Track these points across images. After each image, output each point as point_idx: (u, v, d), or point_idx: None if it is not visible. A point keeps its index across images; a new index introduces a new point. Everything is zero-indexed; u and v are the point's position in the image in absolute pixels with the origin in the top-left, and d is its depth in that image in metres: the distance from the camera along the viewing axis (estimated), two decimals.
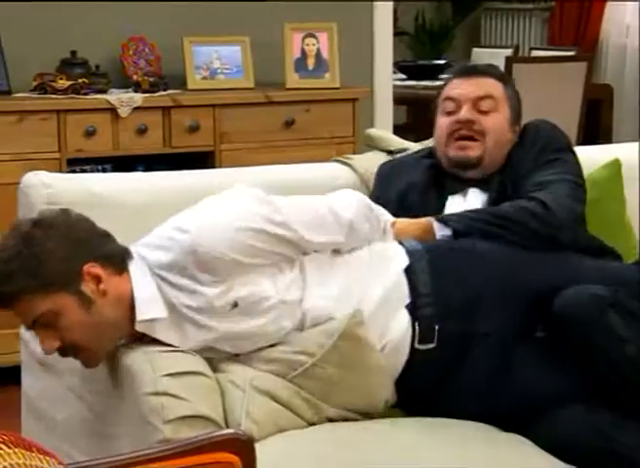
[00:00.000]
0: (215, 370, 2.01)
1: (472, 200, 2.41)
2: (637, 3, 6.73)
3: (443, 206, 2.41)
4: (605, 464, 1.99)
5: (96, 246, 2.01)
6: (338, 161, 2.64)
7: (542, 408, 2.04)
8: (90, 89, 3.90)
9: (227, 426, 1.91)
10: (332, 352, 2.01)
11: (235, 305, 2.00)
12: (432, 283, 2.12)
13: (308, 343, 2.02)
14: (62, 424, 2.20)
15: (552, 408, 2.04)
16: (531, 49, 6.92)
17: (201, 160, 3.90)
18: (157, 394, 1.89)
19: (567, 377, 2.08)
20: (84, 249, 1.99)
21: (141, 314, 1.99)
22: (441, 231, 2.27)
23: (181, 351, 2.00)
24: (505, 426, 2.06)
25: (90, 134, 3.80)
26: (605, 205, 2.66)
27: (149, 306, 1.99)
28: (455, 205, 2.40)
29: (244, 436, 1.37)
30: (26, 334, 2.11)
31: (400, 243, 2.20)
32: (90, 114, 3.81)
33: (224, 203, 2.08)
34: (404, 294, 2.11)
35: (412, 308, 2.10)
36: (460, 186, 2.43)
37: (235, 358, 2.05)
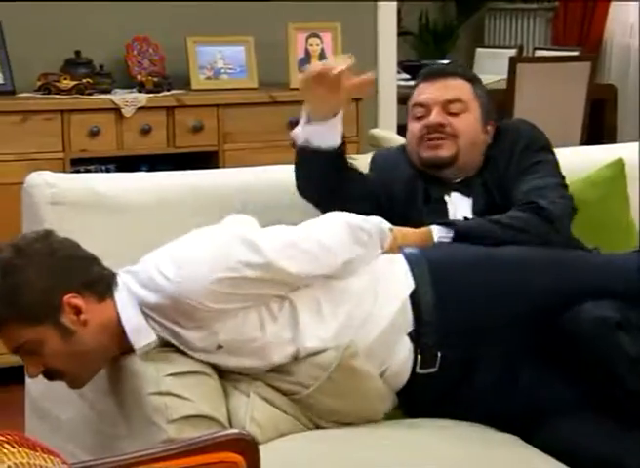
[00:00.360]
0: (219, 375, 2.01)
1: (456, 203, 2.39)
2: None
3: (428, 212, 2.39)
4: None
5: (77, 274, 1.98)
6: None
7: (546, 415, 2.03)
8: (94, 89, 3.90)
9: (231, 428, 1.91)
10: (327, 384, 1.98)
11: (220, 347, 1.98)
12: (436, 310, 2.07)
13: (303, 376, 1.99)
14: (66, 424, 2.20)
15: (556, 415, 2.03)
16: (535, 49, 6.91)
17: (205, 160, 3.90)
18: (160, 394, 1.89)
19: (572, 386, 2.06)
20: (64, 278, 1.96)
21: (136, 343, 1.97)
22: (441, 233, 2.25)
23: (184, 351, 2.00)
24: (507, 432, 2.04)
25: (94, 134, 3.80)
26: (608, 204, 2.66)
27: (142, 334, 1.97)
28: (439, 210, 2.38)
29: (248, 436, 1.37)
30: None
31: (404, 256, 2.14)
32: (94, 114, 3.81)
33: (206, 247, 1.99)
34: (407, 322, 2.06)
35: (414, 335, 2.06)
36: (442, 191, 2.41)
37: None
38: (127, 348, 1.99)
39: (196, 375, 1.95)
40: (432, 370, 2.06)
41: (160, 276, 1.95)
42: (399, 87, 4.94)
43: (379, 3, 4.66)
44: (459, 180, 2.42)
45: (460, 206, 2.39)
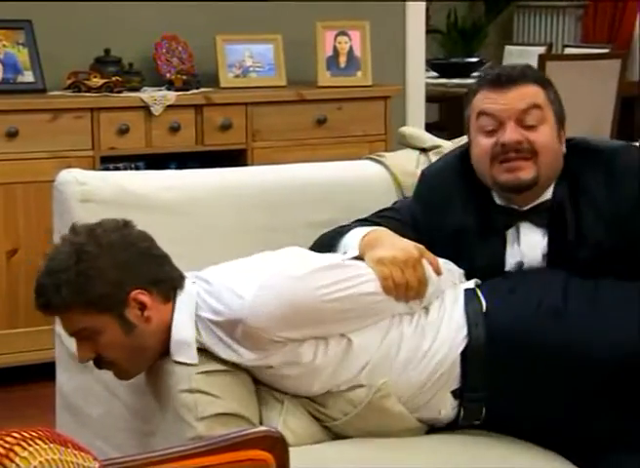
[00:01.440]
0: (255, 382, 2.00)
1: (528, 240, 2.15)
2: None
3: (503, 246, 2.16)
4: None
5: (147, 270, 1.97)
6: (370, 159, 2.63)
7: (605, 449, 1.96)
8: (123, 87, 3.91)
9: None
10: (355, 420, 1.96)
11: (270, 367, 1.96)
12: (486, 377, 1.97)
13: (333, 409, 1.97)
14: (97, 420, 2.21)
15: (615, 449, 1.96)
16: (564, 46, 6.87)
17: (233, 158, 3.90)
18: (191, 391, 1.90)
19: (631, 422, 1.97)
20: (135, 273, 1.95)
21: (175, 355, 1.96)
22: None
23: None
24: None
25: (123, 132, 3.81)
26: None
27: (183, 350, 1.95)
28: (514, 248, 2.16)
29: (277, 433, 1.37)
30: (61, 331, 2.12)
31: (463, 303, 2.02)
32: (123, 112, 3.82)
33: (285, 269, 1.96)
34: (454, 379, 1.98)
35: (459, 393, 1.98)
36: (509, 221, 2.17)
37: None
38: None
39: (227, 374, 1.95)
40: (476, 422, 2.02)
41: (233, 295, 1.91)
42: (427, 85, 4.93)
43: (407, 2, 4.64)
44: (529, 207, 2.16)
45: (529, 240, 2.15)
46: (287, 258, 2.02)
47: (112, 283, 1.93)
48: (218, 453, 1.32)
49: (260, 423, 1.93)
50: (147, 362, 2.00)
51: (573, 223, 2.12)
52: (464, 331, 1.99)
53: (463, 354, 1.98)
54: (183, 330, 1.96)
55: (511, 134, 2.10)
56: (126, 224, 2.00)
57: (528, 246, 2.15)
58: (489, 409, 2.00)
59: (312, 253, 2.10)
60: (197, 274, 2.03)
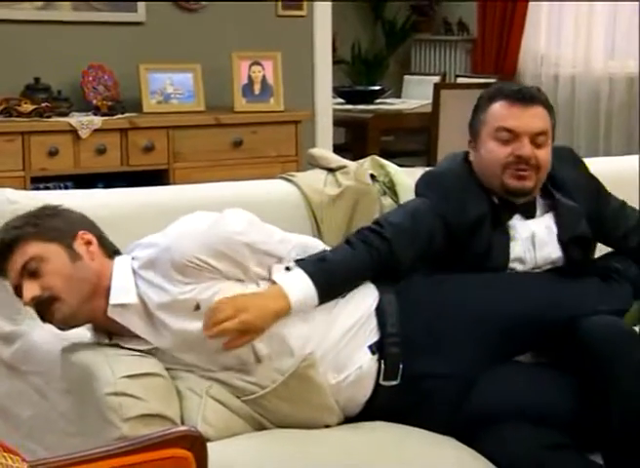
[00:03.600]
0: (174, 378, 1.98)
1: (535, 224, 2.26)
2: (550, 35, 6.83)
3: (507, 237, 2.24)
4: None
5: (94, 229, 2.07)
6: (282, 178, 2.63)
7: (493, 421, 1.99)
8: (52, 112, 3.86)
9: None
10: (282, 388, 1.96)
11: (197, 307, 1.96)
12: (400, 324, 2.03)
13: (261, 377, 1.97)
14: (27, 423, 2.16)
15: (501, 422, 1.98)
16: (456, 76, 6.97)
17: (156, 177, 3.88)
18: (116, 394, 1.86)
19: (521, 395, 2.02)
20: (86, 223, 2.07)
21: (114, 299, 1.98)
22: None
23: (140, 354, 1.97)
24: (459, 437, 2.00)
25: (52, 154, 3.75)
26: None
27: (122, 293, 1.98)
28: (523, 232, 2.25)
29: (196, 432, 1.36)
30: None
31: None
32: (52, 136, 3.77)
33: (203, 218, 2.06)
34: (372, 332, 2.03)
35: (379, 346, 2.02)
36: (510, 213, 2.26)
37: (193, 373, 2.00)
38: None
39: (149, 377, 1.92)
40: (394, 382, 2.02)
41: (160, 235, 2.02)
42: (334, 110, 4.96)
43: (315, 34, 4.67)
44: (521, 202, 2.27)
45: (521, 228, 2.26)
46: (201, 214, 2.08)
47: (64, 221, 2.04)
48: (141, 453, 1.30)
49: (182, 419, 1.91)
50: (83, 299, 1.97)
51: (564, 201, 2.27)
52: (376, 293, 2.07)
53: (377, 308, 2.04)
54: (123, 279, 1.99)
55: (528, 149, 2.20)
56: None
57: (534, 227, 2.25)
58: (405, 369, 2.01)
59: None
60: (129, 245, 2.09)
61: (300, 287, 2.00)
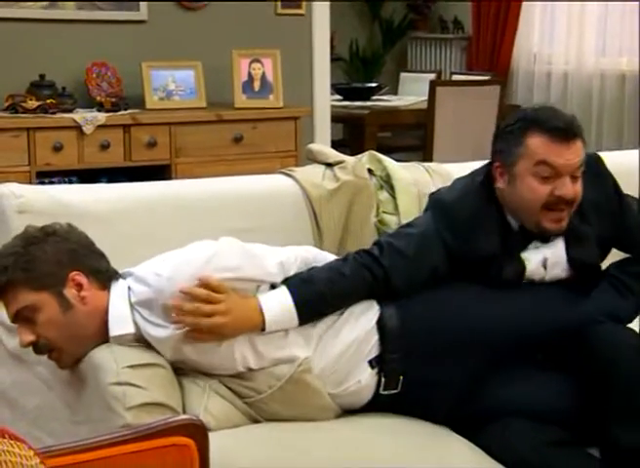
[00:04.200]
0: (178, 373, 1.98)
1: (549, 247, 2.15)
2: (543, 34, 6.82)
3: (522, 263, 2.13)
4: None
5: (87, 260, 1.98)
6: (282, 173, 2.63)
7: (495, 419, 1.98)
8: (57, 109, 3.85)
9: None
10: (278, 393, 1.95)
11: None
12: (401, 338, 2.00)
13: (259, 382, 1.96)
14: (33, 412, 2.16)
15: (503, 420, 1.97)
16: (451, 73, 6.96)
17: (158, 172, 3.87)
18: (119, 384, 1.86)
19: (522, 394, 2.02)
20: (76, 259, 1.97)
21: (113, 331, 1.95)
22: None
23: (143, 346, 1.97)
24: (460, 435, 2.00)
25: (57, 149, 3.75)
26: None
27: (120, 324, 1.95)
28: (536, 255, 2.14)
29: (198, 421, 1.36)
30: None
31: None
32: (57, 131, 3.76)
33: (196, 252, 1.98)
34: (373, 347, 2.00)
35: (379, 360, 1.99)
36: (528, 240, 2.15)
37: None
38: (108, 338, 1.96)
39: (152, 367, 1.92)
40: (394, 391, 2.01)
41: (153, 274, 1.94)
42: (332, 107, 4.95)
43: (314, 32, 4.66)
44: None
45: (533, 254, 2.15)
46: (198, 246, 2.02)
47: (54, 263, 1.94)
48: (144, 440, 1.31)
49: (184, 411, 1.91)
50: (83, 345, 1.95)
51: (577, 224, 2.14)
52: (376, 307, 2.03)
53: (378, 324, 2.01)
54: (120, 309, 1.95)
55: (570, 189, 2.06)
56: (70, 225, 2.03)
57: (547, 251, 2.15)
58: (405, 378, 2.00)
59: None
60: (123, 271, 2.03)
61: (278, 306, 1.96)
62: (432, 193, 2.27)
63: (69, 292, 1.94)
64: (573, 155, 2.06)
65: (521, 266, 2.13)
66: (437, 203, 2.19)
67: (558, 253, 2.16)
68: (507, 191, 2.11)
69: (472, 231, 2.10)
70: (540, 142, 2.06)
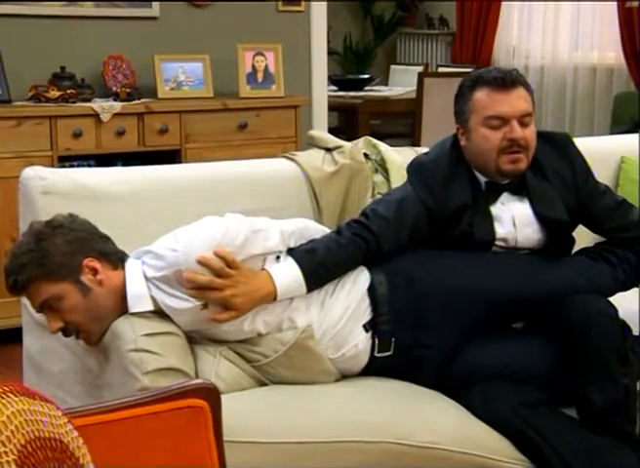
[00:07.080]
0: (190, 341, 1.97)
1: (517, 206, 2.16)
2: (521, 30, 6.79)
3: (491, 218, 2.14)
4: (514, 440, 1.93)
5: (95, 244, 1.96)
6: (284, 157, 2.62)
7: (477, 381, 1.98)
8: (77, 98, 3.83)
9: None
10: (283, 357, 1.95)
11: (205, 306, 1.92)
12: (390, 302, 2.01)
13: (265, 347, 1.96)
14: (58, 376, 2.16)
15: (485, 382, 1.97)
16: (438, 66, 6.94)
17: (170, 157, 3.85)
18: (137, 350, 1.86)
19: (503, 357, 2.00)
20: (84, 246, 1.94)
21: (131, 308, 1.93)
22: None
23: (158, 316, 1.96)
24: (450, 393, 1.99)
25: (77, 135, 3.73)
26: None
27: (138, 301, 1.93)
28: (505, 213, 2.15)
29: (211, 384, 1.36)
30: (26, 301, 2.06)
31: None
32: (77, 119, 3.74)
33: (205, 227, 1.96)
34: (366, 312, 2.01)
35: (372, 324, 2.00)
36: (497, 194, 2.16)
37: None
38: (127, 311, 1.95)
39: (167, 335, 1.91)
40: (388, 353, 2.01)
41: (169, 250, 1.91)
42: (329, 97, 4.93)
43: (312, 28, 4.63)
44: (506, 182, 2.16)
45: (521, 207, 2.16)
46: (209, 223, 1.99)
47: (66, 254, 1.92)
48: (161, 402, 1.30)
49: (196, 376, 1.91)
50: (106, 321, 1.94)
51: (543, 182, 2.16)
52: (367, 274, 2.03)
53: (369, 290, 2.01)
54: (136, 286, 1.93)
55: (519, 131, 2.08)
56: (71, 215, 2.00)
57: (515, 209, 2.16)
58: (396, 340, 2.00)
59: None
60: (138, 249, 2.01)
61: (288, 276, 1.96)
62: (411, 161, 2.28)
63: (86, 278, 1.93)
64: (515, 101, 2.09)
65: (489, 220, 2.13)
66: (414, 166, 2.22)
67: (525, 212, 2.16)
68: (468, 146, 2.15)
69: (446, 188, 2.12)
70: (483, 95, 2.11)
